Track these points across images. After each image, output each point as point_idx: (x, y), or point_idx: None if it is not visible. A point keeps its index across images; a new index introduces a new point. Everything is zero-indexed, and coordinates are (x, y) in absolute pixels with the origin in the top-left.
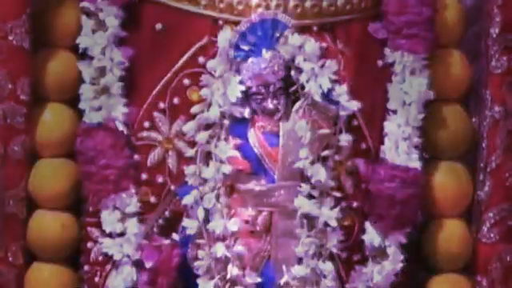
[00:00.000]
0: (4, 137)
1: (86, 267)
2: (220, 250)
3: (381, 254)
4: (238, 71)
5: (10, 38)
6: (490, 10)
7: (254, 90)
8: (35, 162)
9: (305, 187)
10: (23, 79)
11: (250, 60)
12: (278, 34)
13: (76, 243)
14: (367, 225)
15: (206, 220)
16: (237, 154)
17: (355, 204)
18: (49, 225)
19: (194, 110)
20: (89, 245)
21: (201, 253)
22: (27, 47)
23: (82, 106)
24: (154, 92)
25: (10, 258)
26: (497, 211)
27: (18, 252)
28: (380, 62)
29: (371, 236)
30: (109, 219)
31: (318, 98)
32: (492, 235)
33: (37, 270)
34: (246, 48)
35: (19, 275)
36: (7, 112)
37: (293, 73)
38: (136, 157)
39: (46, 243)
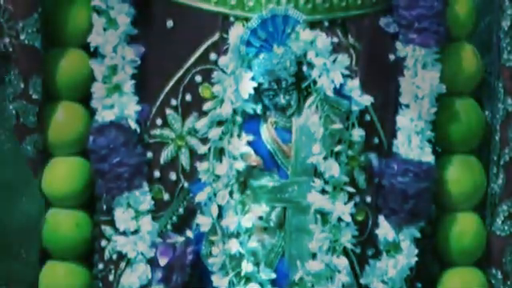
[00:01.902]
0: (17, 136)
1: (100, 265)
2: (234, 246)
3: (395, 248)
4: (249, 67)
5: (22, 37)
6: (502, 3)
7: (266, 86)
8: (48, 161)
9: (318, 182)
10: (35, 78)
11: (262, 56)
12: (289, 30)
13: (89, 242)
14: (381, 219)
15: (220, 217)
16: (250, 150)
17: (368, 199)
18: (63, 223)
19: (206, 107)
20: (103, 243)
21: (215, 249)
22: (39, 46)
23: (94, 104)
24: (166, 89)
25: (24, 255)
26: (511, 204)
27: (33, 250)
28: (392, 57)
29: (385, 230)
30: (122, 217)
31: (330, 93)
32: (506, 228)
33: (51, 268)
34: (257, 44)
35: (34, 274)
36: (20, 111)
37: (305, 68)
38: (149, 154)
39: (60, 242)
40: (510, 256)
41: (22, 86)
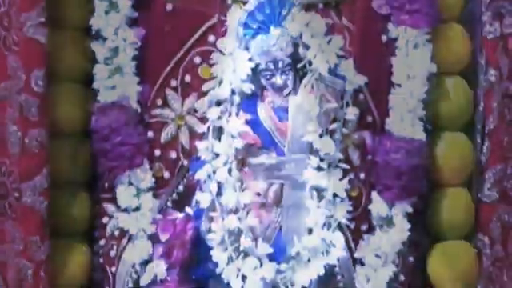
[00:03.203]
0: (21, 128)
1: (102, 242)
2: (233, 222)
3: (388, 223)
4: (247, 49)
5: (25, 29)
6: None
7: (263, 66)
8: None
9: (314, 160)
10: (37, 71)
11: (259, 37)
12: (285, 12)
13: (89, 219)
14: (374, 195)
15: (219, 194)
16: (247, 128)
17: (362, 175)
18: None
19: (205, 87)
20: (104, 220)
21: (214, 225)
22: (42, 39)
23: (95, 85)
24: (166, 70)
25: (29, 251)
26: (496, 171)
27: (37, 244)
28: (384, 37)
29: (378, 206)
30: (124, 195)
31: (325, 73)
32: (492, 194)
33: (53, 245)
34: (254, 26)
35: (38, 268)
36: (23, 104)
37: (300, 49)
38: (150, 134)
39: (62, 219)
40: (497, 222)
41: (25, 78)
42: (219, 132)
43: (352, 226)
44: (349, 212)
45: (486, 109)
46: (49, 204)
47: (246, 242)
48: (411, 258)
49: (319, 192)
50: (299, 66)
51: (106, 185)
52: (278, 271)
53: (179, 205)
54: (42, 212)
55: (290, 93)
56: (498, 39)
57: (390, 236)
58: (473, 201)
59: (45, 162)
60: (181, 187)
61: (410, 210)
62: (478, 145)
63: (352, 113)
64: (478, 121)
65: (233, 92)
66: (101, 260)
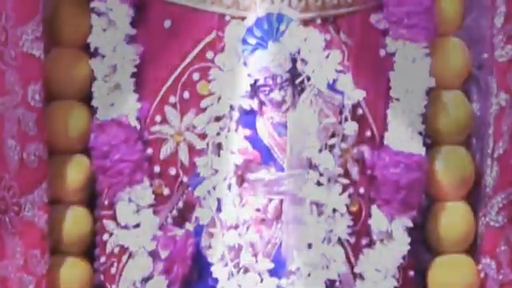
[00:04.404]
0: (20, 143)
1: (102, 259)
2: (233, 238)
3: (387, 237)
4: (245, 64)
5: (21, 44)
6: (494, 1)
7: (261, 82)
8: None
9: (313, 175)
10: (33, 86)
11: (257, 53)
12: (283, 28)
13: (90, 236)
14: (374, 209)
15: (219, 209)
16: (247, 144)
17: (362, 190)
18: (65, 219)
19: (204, 103)
20: (104, 237)
21: (214, 241)
22: (38, 54)
23: (94, 103)
24: (165, 87)
25: (30, 265)
26: (504, 195)
27: (37, 258)
28: (382, 52)
29: (378, 220)
30: (124, 211)
31: (323, 89)
32: (500, 219)
33: (54, 262)
34: (252, 42)
35: (39, 283)
36: (21, 118)
37: (299, 64)
38: (149, 150)
39: (62, 237)
40: (504, 246)
41: (22, 92)
42: (218, 148)
43: (352, 240)
44: (349, 227)
45: (496, 133)
46: (48, 219)
47: (246, 257)
48: (412, 272)
49: (319, 207)
50: (298, 81)
51: (106, 202)
52: (279, 287)
53: (179, 221)
54: (42, 226)
55: (288, 108)
56: (510, 62)
57: (390, 250)
58: (473, 216)
59: (44, 176)
60: (180, 203)
61: (410, 224)
62: (486, 168)
63: (351, 128)
64: (487, 144)
65: (231, 108)
66: (101, 277)
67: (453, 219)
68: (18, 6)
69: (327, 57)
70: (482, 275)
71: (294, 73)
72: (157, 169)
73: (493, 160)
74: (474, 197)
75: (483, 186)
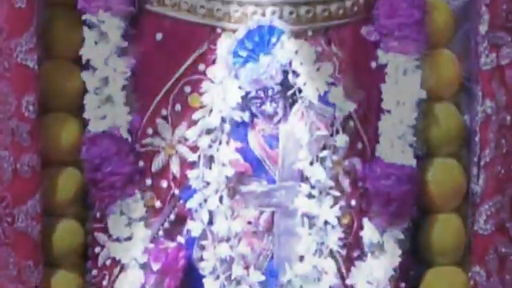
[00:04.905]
0: (13, 153)
1: (94, 272)
2: (224, 250)
3: (379, 249)
4: (237, 77)
5: (15, 55)
6: (479, 9)
7: (253, 94)
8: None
9: (304, 187)
10: (27, 97)
11: (249, 66)
12: (274, 40)
13: (82, 249)
14: (365, 221)
15: (210, 222)
16: (238, 156)
17: (353, 202)
18: (57, 231)
19: (195, 116)
20: (96, 250)
21: (206, 254)
22: (32, 64)
23: (86, 115)
24: (157, 100)
25: (23, 276)
26: (492, 203)
27: (31, 269)
28: (373, 64)
29: (369, 232)
30: (115, 224)
31: (314, 101)
32: (488, 227)
33: (46, 275)
34: (244, 54)
35: None
36: (15, 129)
37: (290, 76)
38: (140, 163)
39: (54, 249)
40: (493, 254)
41: (16, 103)
42: (210, 160)
43: (344, 252)
44: (340, 239)
45: (482, 141)
46: (41, 229)
47: (237, 270)
48: (403, 284)
49: (310, 219)
50: (289, 93)
51: (98, 214)
52: None
53: (171, 234)
54: (35, 236)
55: (280, 120)
56: (495, 70)
57: (382, 262)
58: (465, 227)
59: (37, 187)
60: (172, 216)
61: (401, 236)
62: (472, 177)
63: (342, 140)
64: (473, 152)
65: (223, 120)
66: None
67: (444, 231)
68: (12, 18)
69: (318, 69)
70: (472, 283)
71: (285, 85)
72: (148, 181)
73: (479, 168)
74: (465, 207)
75: (471, 194)
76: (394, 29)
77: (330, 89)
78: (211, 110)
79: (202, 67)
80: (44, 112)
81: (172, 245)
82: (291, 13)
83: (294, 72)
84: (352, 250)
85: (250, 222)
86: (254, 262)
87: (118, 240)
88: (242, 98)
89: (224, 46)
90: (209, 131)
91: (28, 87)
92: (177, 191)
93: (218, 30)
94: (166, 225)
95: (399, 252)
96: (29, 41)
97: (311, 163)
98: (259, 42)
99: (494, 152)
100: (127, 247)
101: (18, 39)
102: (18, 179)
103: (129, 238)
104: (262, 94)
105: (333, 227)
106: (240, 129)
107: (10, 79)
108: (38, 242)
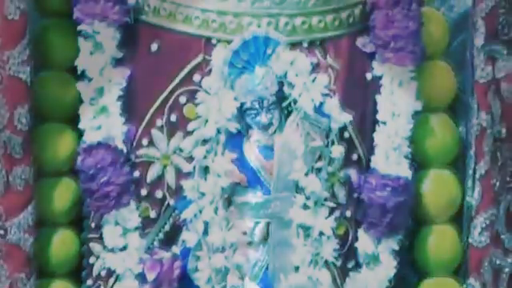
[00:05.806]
0: (5, 166)
1: (89, 281)
2: (219, 261)
3: (374, 260)
4: (232, 88)
5: (7, 67)
6: (475, 22)
7: (248, 105)
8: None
9: (299, 198)
10: (20, 109)
11: (244, 77)
12: (270, 51)
13: (77, 259)
14: (360, 233)
15: (205, 232)
16: (233, 167)
17: (348, 213)
18: (51, 241)
19: (190, 126)
20: (91, 260)
21: (201, 264)
22: (25, 77)
23: (81, 125)
24: (152, 110)
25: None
26: (487, 216)
27: (23, 281)
28: (369, 75)
29: (364, 243)
30: (111, 234)
31: (310, 112)
32: (483, 239)
33: (41, 285)
34: (239, 65)
35: None
36: (7, 141)
37: (285, 88)
38: (136, 173)
39: (49, 259)
40: (488, 266)
41: (8, 116)
42: (205, 171)
43: (339, 263)
44: (335, 250)
45: (478, 153)
46: (34, 242)
47: (232, 280)
48: None
49: (305, 230)
50: (284, 104)
51: (93, 224)
52: None
53: (166, 244)
54: (28, 249)
55: (275, 131)
56: (490, 83)
57: (377, 273)
58: (460, 240)
59: (30, 200)
60: (167, 227)
61: (396, 247)
62: (467, 189)
63: (337, 151)
64: (468, 165)
65: (218, 131)
66: None
67: (440, 242)
68: (5, 30)
69: (314, 80)
70: None
71: (280, 96)
72: (143, 192)
73: (475, 180)
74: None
75: (466, 206)
76: (389, 40)
77: (325, 100)
78: (206, 121)
79: (197, 78)
80: (39, 122)
81: (167, 255)
82: (287, 24)
83: (289, 83)
84: (347, 261)
85: (245, 233)
86: (248, 273)
87: (112, 250)
88: (238, 108)
89: (219, 56)
90: (204, 142)
91: (20, 99)
92: (172, 202)
93: (214, 41)
94: (161, 235)
95: (394, 263)
96: (21, 52)
97: (306, 174)
98: (255, 53)
99: (489, 165)
100: (122, 257)
101: (10, 51)
102: (11, 192)
103: (124, 248)
104: (257, 104)
105: (328, 238)
106: (235, 140)
107: (2, 91)
108: (30, 255)
